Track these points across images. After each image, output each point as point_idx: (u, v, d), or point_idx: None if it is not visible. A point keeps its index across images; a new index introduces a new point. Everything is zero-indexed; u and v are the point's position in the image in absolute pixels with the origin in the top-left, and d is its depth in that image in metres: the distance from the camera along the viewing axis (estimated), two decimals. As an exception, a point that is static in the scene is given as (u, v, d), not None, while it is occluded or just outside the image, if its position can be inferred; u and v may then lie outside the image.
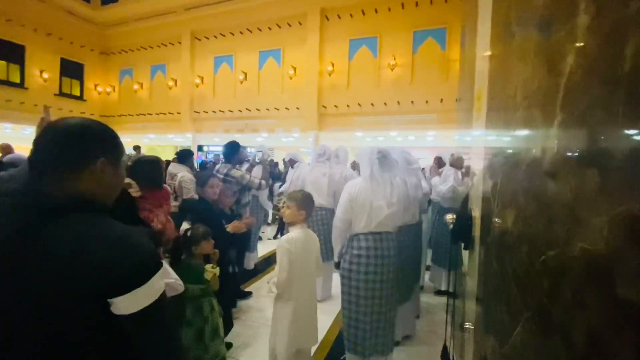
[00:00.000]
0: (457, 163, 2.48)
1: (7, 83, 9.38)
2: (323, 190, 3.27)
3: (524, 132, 0.72)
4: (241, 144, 3.43)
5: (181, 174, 3.02)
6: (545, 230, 0.56)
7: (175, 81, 10.34)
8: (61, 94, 10.63)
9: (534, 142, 0.64)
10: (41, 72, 10.01)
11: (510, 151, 0.84)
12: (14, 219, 0.71)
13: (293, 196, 1.93)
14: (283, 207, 3.93)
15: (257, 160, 3.72)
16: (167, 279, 1.37)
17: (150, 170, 1.78)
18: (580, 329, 0.42)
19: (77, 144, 0.77)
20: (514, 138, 0.80)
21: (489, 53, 1.18)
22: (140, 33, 10.85)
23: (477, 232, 1.27)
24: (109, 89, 11.72)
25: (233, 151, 3.33)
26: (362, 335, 1.97)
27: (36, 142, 0.76)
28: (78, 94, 11.20)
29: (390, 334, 2.07)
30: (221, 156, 8.64)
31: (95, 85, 11.56)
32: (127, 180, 1.53)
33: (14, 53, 9.49)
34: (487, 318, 1.06)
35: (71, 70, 10.91)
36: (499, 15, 1.06)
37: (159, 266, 0.75)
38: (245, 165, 3.56)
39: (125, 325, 0.71)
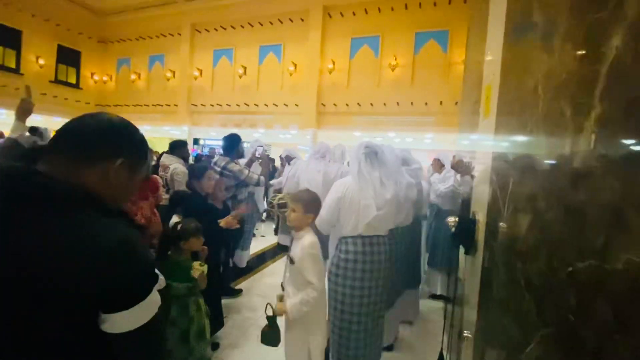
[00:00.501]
0: (457, 166, 2.41)
1: (3, 68, 9.16)
2: (318, 188, 3.20)
3: (546, 128, 0.65)
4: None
5: (173, 166, 2.93)
6: (574, 238, 0.49)
7: (174, 73, 10.19)
8: (57, 81, 10.42)
9: (560, 138, 0.57)
10: (37, 58, 9.80)
11: (526, 150, 0.77)
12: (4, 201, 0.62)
13: (299, 197, 1.69)
14: (280, 205, 3.83)
15: (257, 156, 3.61)
16: None
17: None
18: (623, 357, 0.36)
19: (102, 136, 0.71)
20: (532, 135, 0.73)
21: (501, 49, 1.12)
22: (139, 22, 10.67)
23: (480, 236, 1.20)
24: (105, 78, 11.52)
25: (233, 144, 3.22)
26: (345, 343, 1.84)
27: (66, 125, 0.71)
28: (74, 81, 11.00)
29: (378, 341, 1.99)
30: (217, 149, 8.47)
31: (92, 74, 11.36)
32: None
33: (10, 38, 9.27)
34: (491, 328, 1.00)
35: (68, 57, 10.69)
36: (516, 7, 1.00)
37: (157, 277, 0.69)
38: (244, 160, 3.46)
39: (116, 342, 0.63)
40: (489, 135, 1.23)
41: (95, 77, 11.42)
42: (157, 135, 11.07)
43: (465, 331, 1.29)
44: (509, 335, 0.80)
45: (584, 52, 0.51)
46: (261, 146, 3.74)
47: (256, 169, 3.48)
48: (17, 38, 9.40)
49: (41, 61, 9.86)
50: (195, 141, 10.23)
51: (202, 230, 1.74)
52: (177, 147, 3.45)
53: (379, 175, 1.89)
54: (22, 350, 0.60)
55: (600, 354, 0.41)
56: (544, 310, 0.59)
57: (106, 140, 0.71)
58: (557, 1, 0.64)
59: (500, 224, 0.95)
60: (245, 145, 3.62)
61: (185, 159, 3.50)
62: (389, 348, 2.45)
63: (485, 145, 1.34)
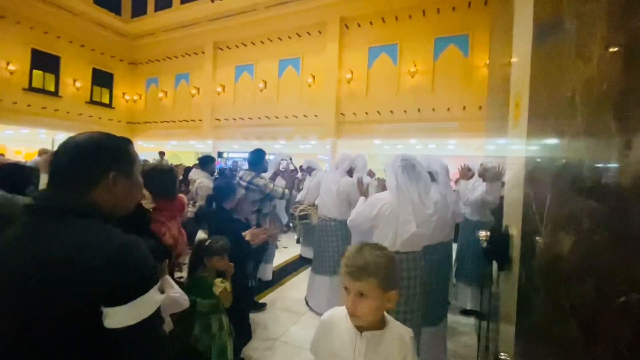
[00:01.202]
0: (486, 174, 2.32)
1: (43, 91, 9.91)
2: (332, 199, 3.17)
3: (587, 142, 0.60)
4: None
5: (199, 180, 3.02)
6: (626, 265, 0.45)
7: (198, 89, 10.62)
8: (92, 101, 11.13)
9: (605, 154, 0.53)
10: (74, 81, 10.54)
11: (565, 164, 0.72)
12: (21, 219, 0.74)
13: (369, 267, 0.93)
14: (302, 216, 3.79)
15: (281, 169, 3.65)
16: (172, 293, 1.31)
17: (163, 180, 1.72)
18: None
19: (86, 158, 0.78)
20: (570, 148, 0.69)
21: (530, 54, 1.07)
22: (166, 44, 11.25)
23: (515, 252, 1.14)
24: (135, 97, 12.18)
25: (259, 159, 3.27)
26: None
27: (55, 156, 0.79)
28: (107, 101, 11.70)
29: None
30: (240, 161, 8.59)
31: (123, 94, 12.05)
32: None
33: (49, 63, 10.04)
34: (531, 354, 0.93)
35: (102, 79, 11.44)
36: (543, 11, 0.95)
37: (157, 280, 0.76)
38: (268, 173, 3.50)
39: (118, 339, 0.69)
40: (520, 144, 1.17)
41: (127, 97, 12.10)
42: (183, 149, 11.52)
43: (502, 354, 1.21)
44: (553, 364, 0.73)
45: (627, 61, 0.47)
46: (285, 159, 3.76)
47: (279, 181, 3.51)
48: (56, 63, 10.20)
49: (78, 84, 10.59)
50: (219, 154, 10.51)
51: (228, 250, 1.74)
52: (207, 163, 3.56)
53: (417, 189, 1.83)
54: (32, 347, 0.67)
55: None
56: (594, 341, 0.53)
57: (89, 163, 0.78)
58: (592, 7, 0.60)
59: (537, 238, 0.89)
60: (268, 157, 3.67)
61: (211, 173, 3.60)
62: None
63: (516, 155, 1.28)
